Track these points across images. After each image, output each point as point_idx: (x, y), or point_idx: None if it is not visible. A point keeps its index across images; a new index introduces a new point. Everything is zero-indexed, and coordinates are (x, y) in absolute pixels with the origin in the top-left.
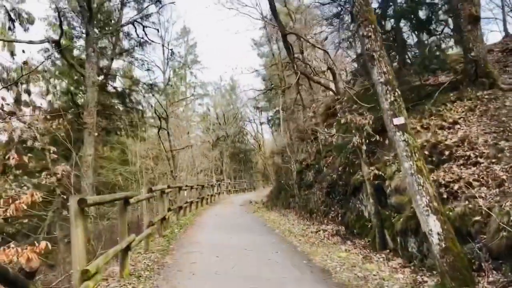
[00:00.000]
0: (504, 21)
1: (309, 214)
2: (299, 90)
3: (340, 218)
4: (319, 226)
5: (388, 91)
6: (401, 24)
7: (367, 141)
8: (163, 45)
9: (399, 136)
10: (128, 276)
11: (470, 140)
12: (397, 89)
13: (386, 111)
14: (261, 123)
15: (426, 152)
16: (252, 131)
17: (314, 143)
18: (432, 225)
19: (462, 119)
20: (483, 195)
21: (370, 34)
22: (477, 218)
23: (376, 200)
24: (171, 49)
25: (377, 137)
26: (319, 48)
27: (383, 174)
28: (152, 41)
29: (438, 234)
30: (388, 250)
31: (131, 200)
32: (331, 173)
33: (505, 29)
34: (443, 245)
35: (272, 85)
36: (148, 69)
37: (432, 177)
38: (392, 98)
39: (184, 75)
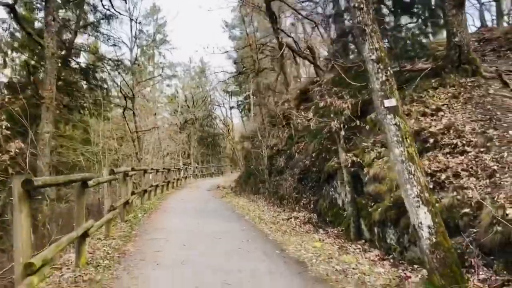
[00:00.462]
0: (481, 11)
1: (279, 200)
2: (283, 65)
3: (312, 205)
4: (291, 213)
5: (379, 70)
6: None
7: (346, 126)
8: (131, 19)
9: (390, 119)
10: (84, 265)
11: (456, 128)
12: (389, 68)
13: (377, 91)
14: (230, 108)
15: None
16: (221, 115)
17: (285, 129)
18: (423, 218)
19: (445, 106)
20: (472, 186)
21: (362, 5)
22: (466, 210)
23: (352, 188)
24: (140, 22)
25: (357, 122)
26: (307, 18)
27: (361, 161)
28: (119, 13)
29: (429, 227)
30: (363, 241)
31: (90, 183)
32: (304, 159)
33: (481, 20)
34: (434, 240)
35: (244, 68)
36: (114, 45)
37: None
38: (384, 78)
39: (152, 54)
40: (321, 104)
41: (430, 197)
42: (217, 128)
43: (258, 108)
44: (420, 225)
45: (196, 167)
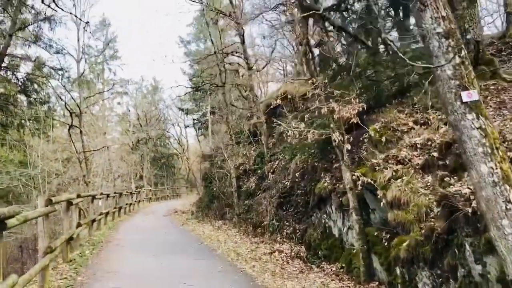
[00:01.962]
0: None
1: (253, 228)
2: (250, 77)
3: (299, 235)
4: (272, 245)
5: (450, 48)
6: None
7: (351, 138)
8: (78, 18)
9: (471, 120)
10: None
11: (506, 138)
12: (463, 46)
13: (447, 80)
14: (186, 126)
15: (436, 154)
16: (176, 135)
17: (253, 146)
18: None
19: None
20: None
21: None
22: None
23: (360, 216)
24: (87, 22)
25: (371, 133)
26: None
27: (372, 182)
28: (62, 9)
29: None
30: (377, 283)
31: (11, 222)
32: (283, 179)
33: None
34: None
35: (203, 83)
36: (57, 52)
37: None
38: (458, 60)
39: (101, 70)
40: (324, 110)
41: None
42: (171, 148)
43: (217, 126)
44: None
45: (150, 189)
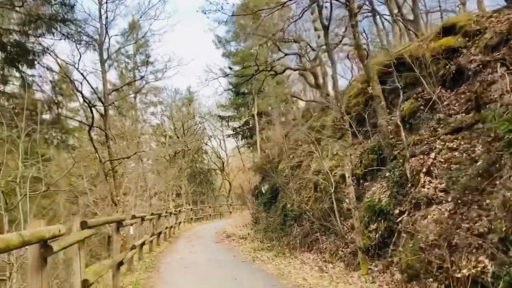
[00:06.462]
0: None
1: (407, 276)
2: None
3: None
4: None
5: None
6: None
7: None
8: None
9: None
10: None
11: None
12: None
13: None
14: (227, 136)
15: None
16: (214, 148)
17: (348, 140)
18: None
19: None
20: None
21: None
22: None
23: None
24: None
25: None
26: None
27: None
28: None
29: None
30: None
31: None
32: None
33: None
34: None
35: (258, 70)
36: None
37: None
38: None
39: (132, 78)
40: None
41: None
42: (209, 163)
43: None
44: None
45: (191, 209)
